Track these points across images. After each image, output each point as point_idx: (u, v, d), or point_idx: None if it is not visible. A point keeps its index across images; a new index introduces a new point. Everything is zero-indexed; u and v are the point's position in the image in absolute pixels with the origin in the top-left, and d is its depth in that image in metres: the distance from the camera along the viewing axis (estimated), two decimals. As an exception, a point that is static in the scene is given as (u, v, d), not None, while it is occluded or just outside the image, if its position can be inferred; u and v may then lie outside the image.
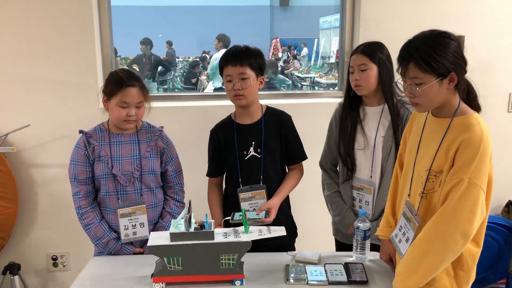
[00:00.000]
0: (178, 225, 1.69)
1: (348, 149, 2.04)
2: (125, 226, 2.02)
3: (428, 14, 2.82)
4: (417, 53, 1.42)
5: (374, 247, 1.90)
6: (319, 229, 2.33)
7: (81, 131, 2.05)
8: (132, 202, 2.03)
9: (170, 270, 1.67)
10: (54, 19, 2.73)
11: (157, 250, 1.66)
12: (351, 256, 1.89)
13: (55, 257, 3.01)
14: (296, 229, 2.23)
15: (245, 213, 1.77)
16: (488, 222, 1.55)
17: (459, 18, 2.86)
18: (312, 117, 2.81)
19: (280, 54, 12.71)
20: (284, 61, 11.92)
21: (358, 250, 1.87)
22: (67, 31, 2.75)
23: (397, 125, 1.96)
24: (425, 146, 1.56)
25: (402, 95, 2.02)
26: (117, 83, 1.95)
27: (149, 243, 1.67)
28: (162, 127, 2.15)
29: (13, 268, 2.74)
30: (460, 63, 1.43)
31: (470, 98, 1.52)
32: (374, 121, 2.03)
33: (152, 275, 1.69)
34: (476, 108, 1.52)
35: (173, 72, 8.85)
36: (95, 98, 2.83)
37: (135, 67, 6.89)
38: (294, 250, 2.10)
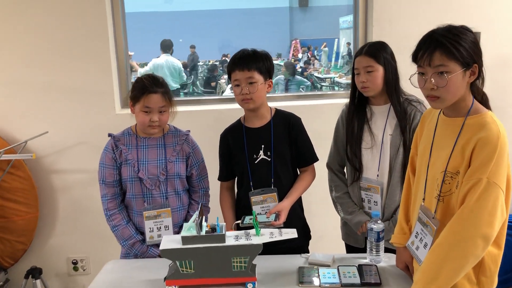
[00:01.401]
0: (189, 228, 1.70)
1: (355, 149, 2.03)
2: (150, 228, 2.05)
3: (442, 11, 2.78)
4: (445, 39, 1.38)
5: (386, 251, 1.88)
6: (334, 231, 2.31)
7: (110, 135, 2.09)
8: (157, 205, 2.06)
9: (182, 273, 1.68)
10: (70, 29, 2.79)
11: (169, 253, 1.68)
12: (365, 258, 1.87)
13: (75, 261, 3.07)
14: (309, 231, 2.22)
15: (256, 216, 1.77)
16: (508, 222, 1.50)
17: (475, 14, 2.82)
18: (329, 118, 2.79)
19: (300, 55, 12.66)
20: (305, 62, 11.87)
21: (373, 252, 1.85)
22: (83, 40, 2.80)
23: (404, 124, 1.94)
24: (438, 148, 1.52)
25: (409, 94, 2.00)
26: (141, 89, 1.99)
27: (161, 247, 1.69)
28: (189, 131, 2.17)
29: (35, 272, 2.80)
30: (480, 56, 1.41)
31: (484, 98, 1.48)
32: (382, 120, 2.01)
33: (165, 278, 1.71)
34: (487, 108, 1.47)
35: (193, 77, 8.90)
36: (111, 105, 2.89)
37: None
38: (308, 252, 2.08)
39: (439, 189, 1.47)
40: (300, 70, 9.90)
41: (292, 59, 11.75)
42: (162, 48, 6.71)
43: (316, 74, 10.41)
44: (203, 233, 1.67)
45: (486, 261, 1.42)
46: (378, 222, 1.82)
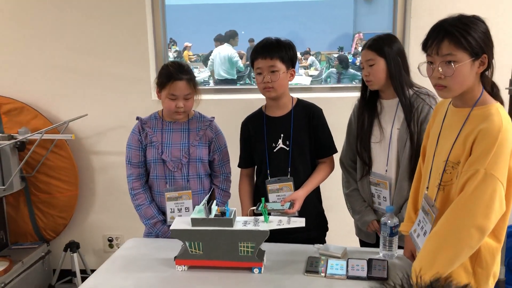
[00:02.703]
0: (199, 211, 1.75)
1: (364, 143, 2.00)
2: (171, 209, 2.14)
3: (482, 2, 2.64)
4: (454, 28, 1.36)
5: (401, 248, 1.84)
6: (352, 224, 2.28)
7: (137, 118, 2.19)
8: (179, 187, 2.13)
9: (191, 254, 1.74)
10: (111, 19, 2.93)
11: (179, 234, 1.74)
12: (378, 253, 1.85)
13: (110, 238, 3.23)
14: (326, 223, 2.21)
15: (265, 203, 1.79)
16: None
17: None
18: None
19: (360, 49, 12.40)
20: (363, 56, 11.58)
21: (386, 247, 1.82)
22: (122, 28, 2.93)
23: (410, 118, 1.89)
24: (444, 137, 1.51)
25: (419, 87, 1.93)
26: (166, 76, 2.06)
27: (172, 227, 1.75)
28: (213, 117, 2.22)
29: (73, 246, 3.00)
30: (491, 46, 1.38)
31: (494, 90, 1.43)
32: (391, 114, 1.96)
33: (175, 257, 1.77)
34: (499, 100, 1.43)
35: (249, 68, 8.97)
36: (148, 91, 3.00)
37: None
38: (324, 243, 2.08)
39: (440, 178, 1.46)
40: (358, 64, 9.70)
41: (352, 53, 11.52)
42: (224, 39, 6.80)
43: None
44: (212, 216, 1.72)
45: (482, 253, 1.40)
46: (393, 217, 1.79)
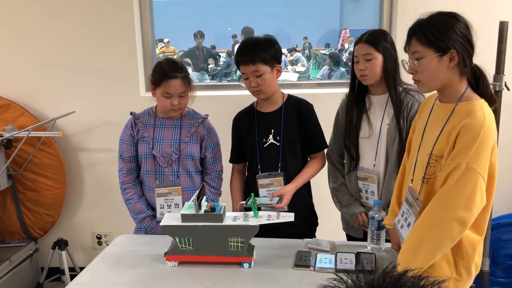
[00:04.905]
0: (189, 207, 1.76)
1: (352, 138, 2.02)
2: (161, 205, 2.14)
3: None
4: (419, 28, 1.44)
5: (388, 241, 1.87)
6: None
7: (131, 113, 2.19)
8: (169, 183, 2.14)
9: (181, 249, 1.75)
10: (97, 13, 2.90)
11: (169, 229, 1.75)
12: (366, 247, 1.88)
13: (99, 235, 3.22)
14: (316, 218, 2.23)
15: (254, 198, 1.81)
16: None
17: (503, 3, 2.70)
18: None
19: (347, 45, 12.46)
20: (350, 53, 11.66)
21: (373, 240, 1.85)
22: (110, 24, 2.91)
23: (400, 114, 1.91)
24: (429, 131, 1.55)
25: (408, 84, 1.96)
26: (161, 74, 2.05)
27: (162, 223, 1.76)
28: (207, 115, 2.23)
29: (61, 244, 2.98)
30: (463, 43, 1.41)
31: (481, 86, 1.47)
32: (380, 110, 1.98)
33: (165, 253, 1.78)
34: (488, 97, 1.46)
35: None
36: (136, 87, 2.99)
37: (188, 60, 7.06)
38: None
39: (424, 171, 1.51)
40: (345, 60, 9.76)
41: (339, 49, 11.57)
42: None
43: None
44: (201, 212, 1.73)
45: (464, 244, 1.45)
46: (380, 211, 1.82)
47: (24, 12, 2.93)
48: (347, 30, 13.13)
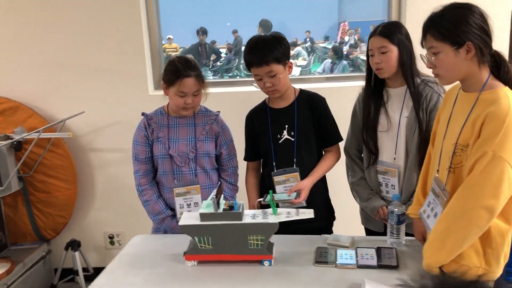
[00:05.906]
0: (207, 205, 1.75)
1: (371, 132, 2.00)
2: (180, 205, 2.13)
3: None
4: (432, 23, 1.44)
5: (408, 235, 1.86)
6: (355, 212, 2.29)
7: (143, 114, 2.17)
8: (187, 182, 2.12)
9: (201, 249, 1.74)
10: (104, 13, 2.88)
11: (188, 229, 1.73)
12: (385, 241, 1.86)
13: (111, 235, 3.22)
14: (333, 212, 2.21)
15: (272, 195, 1.79)
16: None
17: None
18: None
19: (346, 38, 12.39)
20: (350, 46, 11.58)
21: (393, 235, 1.83)
22: (117, 23, 2.89)
23: (419, 106, 1.89)
24: (454, 121, 1.54)
25: (427, 75, 1.93)
26: (175, 73, 2.02)
27: (180, 223, 1.74)
28: (219, 112, 2.21)
29: (74, 245, 2.98)
30: (479, 34, 1.40)
31: (502, 72, 1.45)
32: (398, 103, 1.96)
33: (184, 253, 1.77)
34: (510, 82, 1.45)
35: (237, 60, 8.92)
36: (145, 85, 2.98)
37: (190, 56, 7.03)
38: (331, 233, 2.09)
39: (450, 161, 1.49)
40: (346, 53, 9.71)
41: (338, 42, 11.50)
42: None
43: (362, 57, 10.16)
44: (220, 210, 1.71)
45: (492, 233, 1.43)
46: (400, 205, 1.80)
47: (31, 13, 2.92)
48: (346, 23, 13.06)
